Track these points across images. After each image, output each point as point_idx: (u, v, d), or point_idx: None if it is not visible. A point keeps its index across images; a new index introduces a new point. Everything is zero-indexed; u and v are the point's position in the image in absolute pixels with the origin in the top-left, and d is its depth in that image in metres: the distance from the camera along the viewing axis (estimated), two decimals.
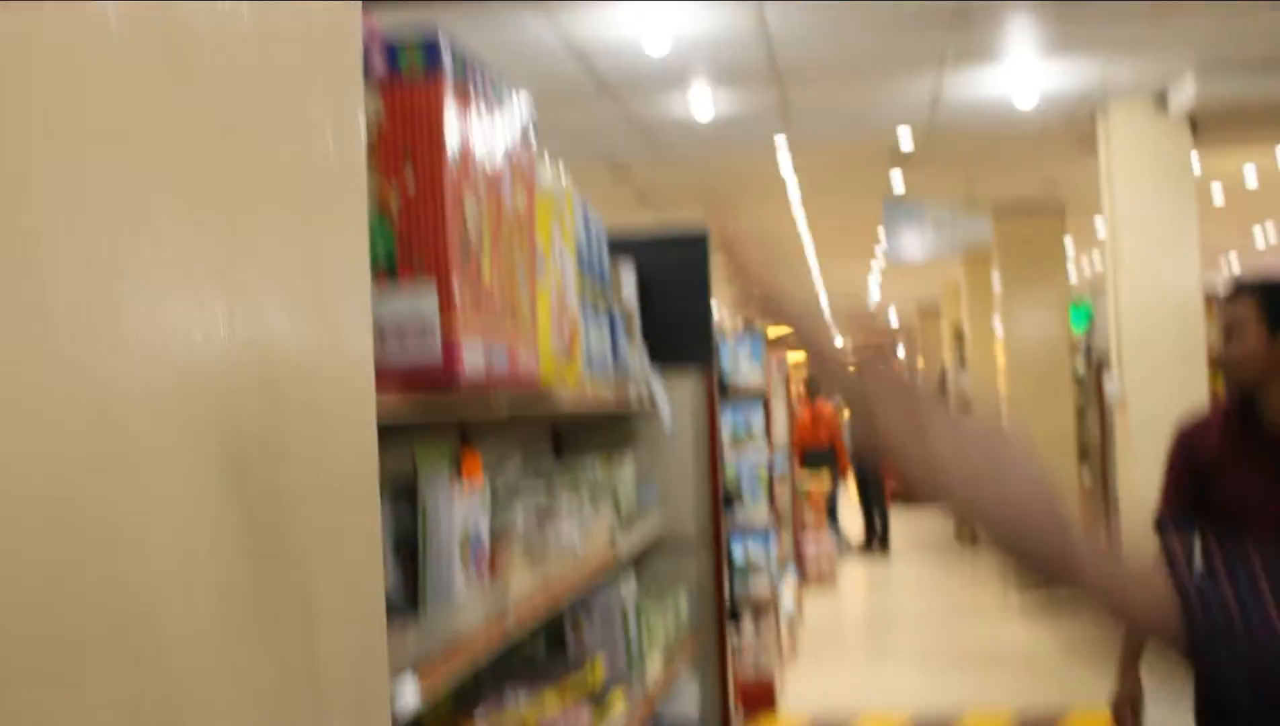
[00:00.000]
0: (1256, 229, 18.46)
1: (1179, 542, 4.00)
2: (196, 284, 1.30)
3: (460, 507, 2.53)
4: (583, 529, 3.52)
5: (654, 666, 4.33)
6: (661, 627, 4.58)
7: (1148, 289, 9.00)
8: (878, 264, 19.57)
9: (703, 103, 8.43)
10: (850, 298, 25.54)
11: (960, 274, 17.54)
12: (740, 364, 8.43)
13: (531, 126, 2.86)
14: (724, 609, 5.38)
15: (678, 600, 4.93)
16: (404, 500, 2.55)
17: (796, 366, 15.08)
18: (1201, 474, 3.93)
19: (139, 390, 1.18)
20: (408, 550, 2.51)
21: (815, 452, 15.44)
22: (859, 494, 16.83)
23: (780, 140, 10.11)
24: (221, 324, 1.35)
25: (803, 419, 15.87)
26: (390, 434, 2.60)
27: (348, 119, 1.76)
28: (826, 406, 16.67)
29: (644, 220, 13.66)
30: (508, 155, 2.65)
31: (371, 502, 1.79)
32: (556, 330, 3.15)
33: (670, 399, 5.15)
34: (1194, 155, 9.22)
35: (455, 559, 2.49)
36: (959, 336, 18.95)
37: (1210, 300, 8.97)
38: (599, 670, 3.73)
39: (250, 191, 1.45)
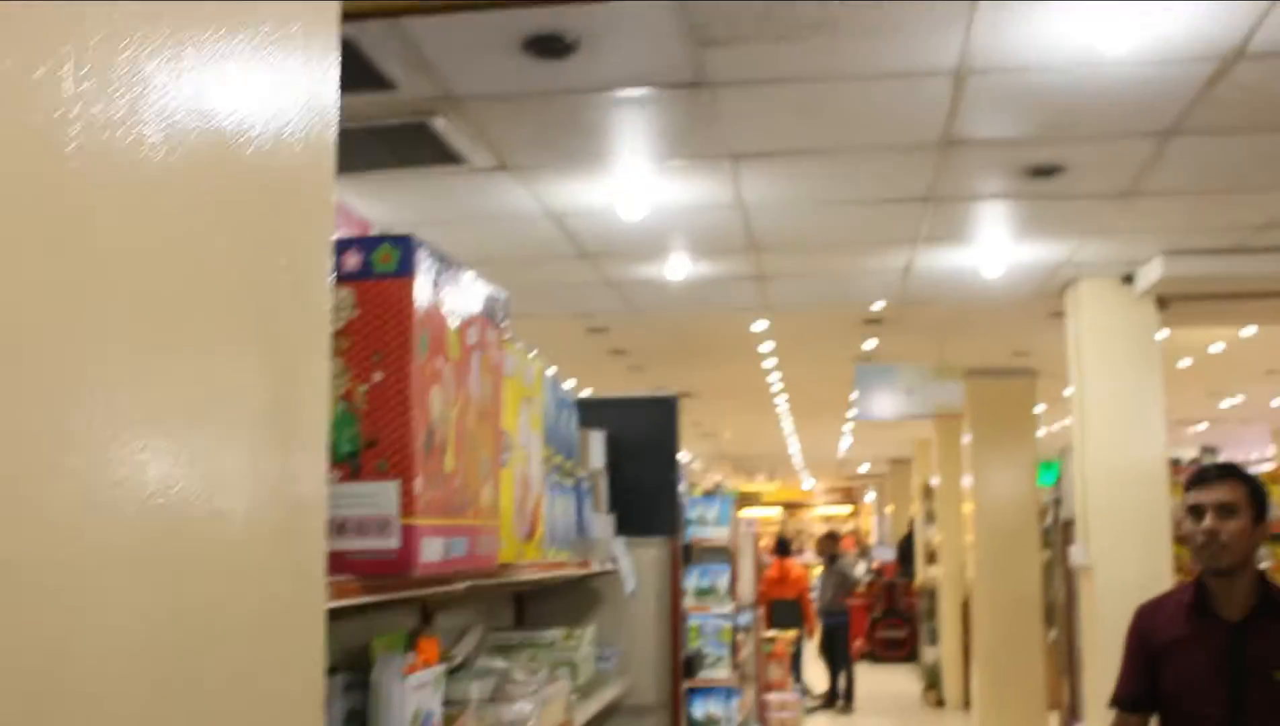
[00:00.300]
0: (1225, 402, 18.70)
1: (1134, 722, 4.11)
2: (135, 434, 1.27)
3: (413, 692, 2.56)
4: (538, 702, 3.53)
5: None
6: None
7: (1114, 460, 9.08)
8: (850, 420, 19.68)
9: (679, 269, 8.57)
10: (822, 451, 25.64)
11: (931, 430, 17.62)
12: (707, 523, 8.47)
13: (503, 314, 2.94)
14: None
15: None
16: (358, 680, 2.58)
17: (767, 522, 15.09)
18: (1156, 655, 4.02)
19: (66, 547, 1.14)
20: None
21: (782, 605, 15.38)
22: (824, 649, 16.72)
23: (755, 307, 10.27)
24: (169, 476, 1.33)
25: (771, 573, 15.85)
26: (347, 611, 2.64)
27: (316, 271, 1.77)
28: (795, 563, 16.65)
29: (619, 373, 13.78)
30: (477, 346, 2.72)
31: (316, 688, 1.80)
32: (519, 512, 3.19)
33: (635, 563, 5.19)
34: (1162, 331, 9.36)
35: None
36: (928, 491, 18.98)
37: (1176, 469, 9.06)
38: None
39: (207, 341, 1.45)
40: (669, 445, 5.61)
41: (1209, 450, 16.58)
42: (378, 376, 2.32)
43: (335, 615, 2.55)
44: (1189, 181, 6.98)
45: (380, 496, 2.27)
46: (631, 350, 12.90)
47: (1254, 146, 6.39)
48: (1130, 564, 8.53)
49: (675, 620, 5.40)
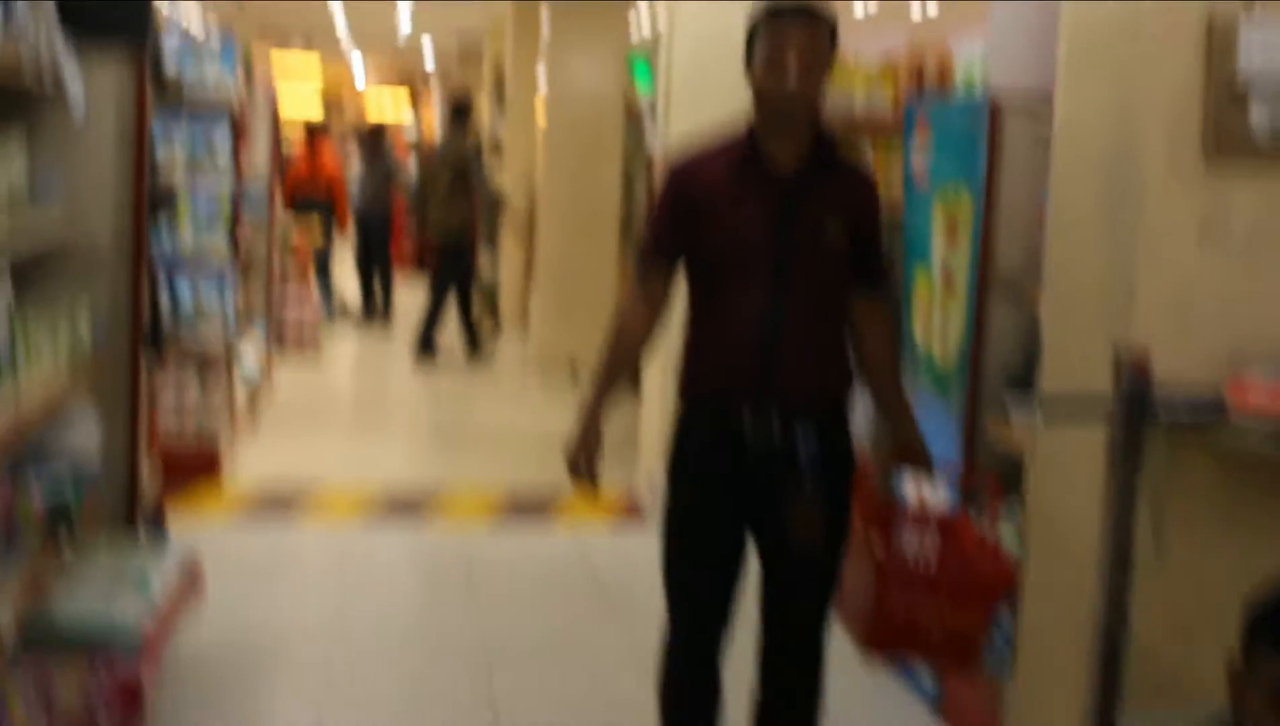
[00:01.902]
0: None
1: (663, 276, 4.30)
2: None
3: None
4: None
5: (32, 388, 4.37)
6: (48, 346, 4.60)
7: (709, 27, 8.49)
8: None
9: None
10: (376, 23, 25.13)
11: (508, 7, 17.49)
12: (205, 69, 8.29)
13: None
14: (140, 335, 5.45)
15: (76, 318, 4.94)
16: None
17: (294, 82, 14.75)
18: (697, 213, 4.23)
19: None
20: None
21: (308, 202, 15.37)
22: (359, 256, 16.82)
23: None
24: None
25: (298, 170, 15.75)
26: None
27: None
28: (329, 149, 16.57)
29: None
30: None
31: None
32: None
33: (88, 83, 5.12)
34: None
35: None
36: (500, 81, 19.00)
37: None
38: None
39: None
40: None
41: None
42: None
43: None
44: None
45: None
46: None
47: None
48: None
49: (139, 154, 5.40)
